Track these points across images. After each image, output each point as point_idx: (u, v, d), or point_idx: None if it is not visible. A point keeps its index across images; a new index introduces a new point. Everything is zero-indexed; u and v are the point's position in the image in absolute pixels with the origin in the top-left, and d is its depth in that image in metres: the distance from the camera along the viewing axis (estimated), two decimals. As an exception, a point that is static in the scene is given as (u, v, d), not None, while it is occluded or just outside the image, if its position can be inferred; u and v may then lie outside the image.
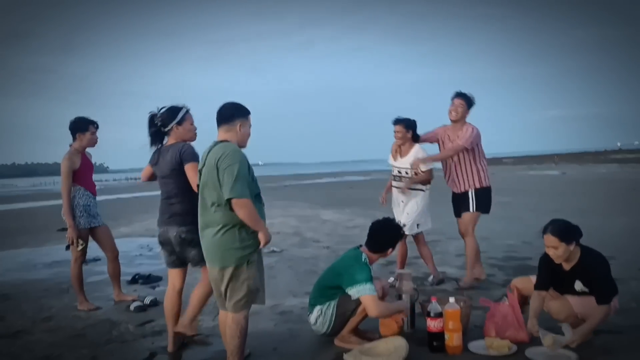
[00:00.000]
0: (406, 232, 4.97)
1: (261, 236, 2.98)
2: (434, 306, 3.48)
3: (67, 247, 4.85)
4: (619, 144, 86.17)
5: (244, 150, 3.16)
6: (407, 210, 5.14)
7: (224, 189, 2.93)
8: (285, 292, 5.25)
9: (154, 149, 3.75)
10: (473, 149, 5.04)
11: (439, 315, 3.44)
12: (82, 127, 4.84)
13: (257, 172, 3.21)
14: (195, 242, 3.42)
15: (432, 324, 3.44)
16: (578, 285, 3.51)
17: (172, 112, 3.65)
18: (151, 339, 4.02)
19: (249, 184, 3.02)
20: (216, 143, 3.13)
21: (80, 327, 4.37)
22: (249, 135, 3.24)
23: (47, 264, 7.46)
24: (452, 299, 3.56)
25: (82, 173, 4.85)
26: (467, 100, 5.06)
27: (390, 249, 3.80)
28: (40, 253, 8.71)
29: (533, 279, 3.82)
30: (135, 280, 5.93)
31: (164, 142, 3.73)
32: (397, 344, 3.29)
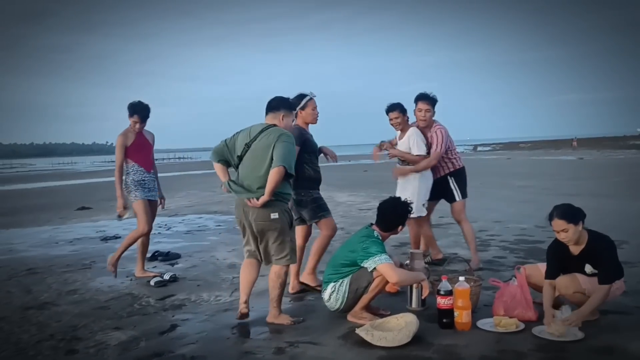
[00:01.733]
0: (414, 215, 5.04)
1: (264, 198, 3.59)
2: (444, 284, 3.58)
3: (119, 217, 5.34)
4: (638, 130, 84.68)
5: None
6: (409, 193, 5.17)
7: (278, 158, 3.52)
8: (301, 270, 5.37)
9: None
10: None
11: (449, 293, 3.54)
12: (129, 112, 5.24)
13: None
14: (304, 203, 4.37)
15: (442, 302, 3.54)
16: (588, 269, 3.57)
17: (298, 98, 4.47)
18: (172, 312, 4.19)
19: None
20: (269, 125, 3.73)
21: (104, 300, 4.56)
22: (290, 127, 3.86)
23: (69, 241, 7.70)
24: (462, 278, 3.65)
25: (135, 150, 5.25)
26: (433, 103, 5.20)
27: (400, 227, 3.91)
28: (62, 230, 8.97)
29: (540, 266, 3.89)
30: (155, 257, 6.10)
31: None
32: (408, 320, 3.38)
